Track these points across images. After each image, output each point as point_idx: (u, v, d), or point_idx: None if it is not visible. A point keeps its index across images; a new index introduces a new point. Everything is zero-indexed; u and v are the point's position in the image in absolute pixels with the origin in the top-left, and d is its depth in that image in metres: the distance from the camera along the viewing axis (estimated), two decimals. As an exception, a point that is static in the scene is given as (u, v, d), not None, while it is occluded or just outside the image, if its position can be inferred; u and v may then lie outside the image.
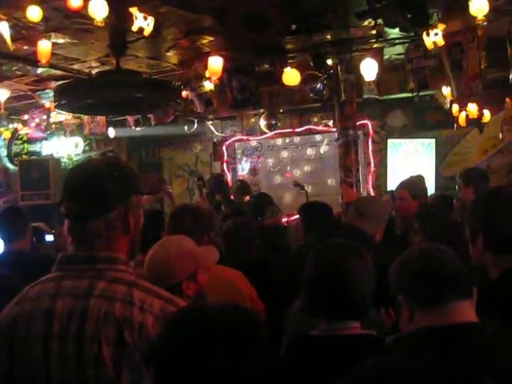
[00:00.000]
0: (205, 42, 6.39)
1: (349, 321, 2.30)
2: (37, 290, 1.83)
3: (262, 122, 9.24)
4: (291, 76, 6.78)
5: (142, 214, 1.94)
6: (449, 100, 7.24)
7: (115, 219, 1.83)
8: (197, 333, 1.38)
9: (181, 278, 2.49)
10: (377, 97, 7.39)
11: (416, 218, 3.96)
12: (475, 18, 4.71)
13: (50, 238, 6.40)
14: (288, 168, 10.46)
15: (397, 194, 5.15)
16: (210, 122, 10.44)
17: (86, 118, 9.26)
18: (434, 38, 5.25)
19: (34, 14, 4.54)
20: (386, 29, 5.88)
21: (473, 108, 6.65)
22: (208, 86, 7.26)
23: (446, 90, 7.00)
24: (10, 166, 10.41)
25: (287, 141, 10.46)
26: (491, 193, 2.64)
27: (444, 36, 5.28)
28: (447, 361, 1.67)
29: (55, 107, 6.73)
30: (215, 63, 6.26)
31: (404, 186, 5.07)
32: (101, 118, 9.19)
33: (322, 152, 10.21)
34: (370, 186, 9.62)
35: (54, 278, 1.83)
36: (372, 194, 9.47)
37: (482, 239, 2.36)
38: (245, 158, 10.75)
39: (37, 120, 9.47)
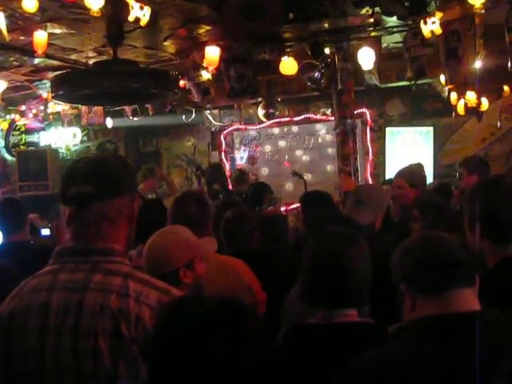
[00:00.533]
0: (202, 31, 6.38)
1: (345, 309, 2.31)
2: (34, 283, 1.83)
3: (260, 111, 9.22)
4: (288, 65, 6.77)
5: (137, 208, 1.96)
6: (447, 88, 7.23)
7: (125, 204, 1.85)
8: (190, 324, 1.38)
9: (178, 265, 2.51)
10: (378, 84, 7.37)
11: (415, 206, 3.97)
12: (473, 6, 4.69)
13: (45, 231, 6.40)
14: (286, 157, 10.45)
15: (394, 182, 5.12)
16: (208, 112, 10.41)
17: (83, 108, 9.25)
18: (431, 26, 5.24)
19: (30, 4, 4.52)
20: (384, 17, 5.86)
21: (471, 96, 6.65)
22: (205, 75, 7.24)
23: (444, 79, 6.99)
24: (7, 156, 10.43)
25: (285, 130, 10.44)
26: (492, 181, 2.64)
27: (441, 24, 5.27)
28: (449, 349, 1.68)
29: (52, 98, 6.70)
30: (212, 53, 6.25)
31: (401, 174, 5.04)
32: (98, 108, 9.18)
33: (320, 141, 10.20)
34: (369, 174, 9.62)
35: (51, 271, 1.83)
36: (370, 182, 9.47)
37: (480, 227, 2.36)
38: (243, 148, 10.74)
39: (34, 110, 9.45)
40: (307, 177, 8.91)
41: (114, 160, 1.90)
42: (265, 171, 10.47)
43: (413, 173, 5.06)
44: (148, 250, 2.60)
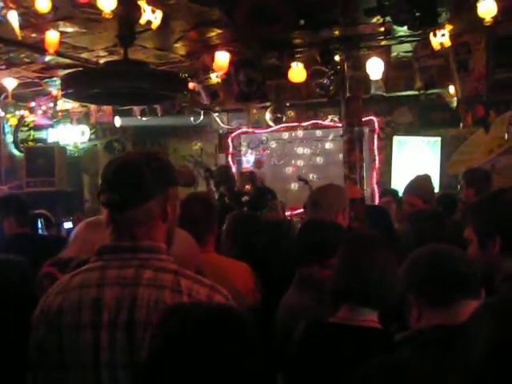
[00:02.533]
0: (213, 34, 6.40)
1: (367, 311, 2.30)
2: (79, 279, 1.86)
3: (268, 116, 9.24)
4: (297, 73, 6.78)
5: (178, 206, 1.99)
6: (455, 99, 7.23)
7: (154, 207, 1.87)
8: (180, 333, 1.39)
9: None
10: (384, 94, 7.38)
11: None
12: (483, 18, 4.70)
13: (68, 224, 6.46)
14: (293, 162, 10.47)
15: (406, 198, 4.94)
16: (216, 114, 10.44)
17: (92, 106, 9.30)
18: (440, 38, 5.25)
19: (43, 4, 4.56)
20: (395, 26, 5.88)
21: (479, 107, 6.65)
22: (215, 78, 7.27)
23: (453, 89, 6.99)
24: (15, 152, 10.46)
25: (293, 135, 10.46)
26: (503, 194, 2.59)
27: (451, 36, 5.28)
28: (455, 359, 1.69)
29: (62, 96, 6.75)
30: (222, 58, 6.27)
31: (412, 190, 4.87)
32: (107, 107, 9.22)
33: (327, 147, 10.21)
34: (375, 182, 9.62)
35: (96, 267, 1.86)
36: (376, 190, 9.48)
37: (500, 241, 2.31)
38: (250, 151, 10.76)
39: (43, 107, 9.49)
40: (313, 182, 8.90)
41: (141, 164, 1.88)
42: (271, 175, 10.48)
43: (424, 188, 4.90)
44: None
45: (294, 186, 9.87)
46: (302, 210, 9.23)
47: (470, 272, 1.91)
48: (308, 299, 2.88)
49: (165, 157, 2.08)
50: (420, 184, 5.00)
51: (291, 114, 10.02)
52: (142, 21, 4.66)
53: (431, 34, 5.29)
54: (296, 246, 3.08)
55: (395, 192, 6.79)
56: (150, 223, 1.87)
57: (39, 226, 5.43)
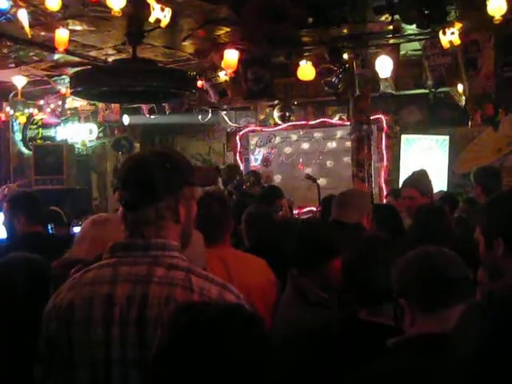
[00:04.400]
0: (221, 32, 6.40)
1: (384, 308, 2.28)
2: (91, 275, 1.86)
3: (276, 114, 9.25)
4: (306, 71, 6.78)
5: (194, 206, 1.96)
6: (464, 97, 7.21)
7: (165, 208, 1.85)
8: (190, 333, 1.39)
9: None
10: (393, 92, 7.37)
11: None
12: (493, 17, 4.68)
13: (77, 229, 6.46)
14: (301, 160, 10.46)
15: (405, 192, 5.06)
16: (224, 112, 10.44)
17: (100, 104, 9.33)
18: (450, 37, 5.23)
19: (53, 2, 4.57)
20: (403, 24, 5.86)
21: (488, 106, 6.63)
22: (223, 76, 7.27)
23: (461, 88, 6.97)
24: (24, 150, 10.49)
25: (301, 133, 10.45)
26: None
27: (460, 34, 5.26)
28: (447, 368, 1.67)
29: (71, 94, 6.76)
30: (231, 56, 6.28)
31: (411, 184, 5.01)
32: (115, 105, 9.24)
33: (335, 145, 10.21)
34: (383, 181, 9.61)
35: (109, 264, 1.86)
36: (384, 188, 9.47)
37: (503, 243, 2.26)
38: (258, 149, 10.76)
39: (52, 105, 9.52)
40: (321, 181, 8.90)
41: (154, 164, 1.86)
42: (279, 174, 10.49)
43: (422, 181, 5.03)
44: None
45: (302, 184, 9.85)
46: (309, 209, 9.27)
47: (462, 276, 1.86)
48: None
49: (182, 155, 2.05)
50: (417, 178, 5.12)
51: (299, 112, 10.02)
52: (151, 19, 4.66)
53: (440, 32, 5.27)
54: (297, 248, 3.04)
55: (395, 191, 6.78)
56: (160, 224, 1.86)
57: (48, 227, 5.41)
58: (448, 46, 5.33)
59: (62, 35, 5.44)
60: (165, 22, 4.70)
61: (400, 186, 8.49)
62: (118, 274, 1.82)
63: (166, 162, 1.88)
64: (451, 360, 1.59)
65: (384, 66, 6.33)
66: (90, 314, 1.78)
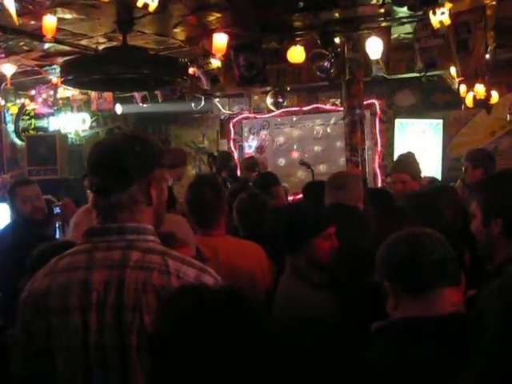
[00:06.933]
0: (212, 18, 6.35)
1: None
2: (66, 261, 1.84)
3: (269, 100, 9.21)
4: (296, 53, 6.75)
5: (165, 188, 1.95)
6: (457, 80, 7.19)
7: (137, 192, 1.84)
8: (187, 316, 1.38)
9: None
10: (385, 75, 7.34)
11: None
12: (484, -2, 4.66)
13: (57, 210, 6.47)
14: (295, 146, 10.45)
15: (396, 177, 5.05)
16: (217, 100, 10.42)
17: (93, 93, 9.27)
18: (440, 17, 5.19)
19: (40, -12, 4.52)
20: (395, 7, 5.83)
21: (480, 89, 6.60)
22: (215, 63, 7.22)
23: (454, 71, 6.95)
24: (17, 141, 10.45)
25: (294, 119, 10.44)
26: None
27: (451, 15, 5.22)
28: (429, 352, 1.67)
29: (62, 83, 6.72)
30: (220, 40, 6.23)
31: (402, 168, 5.04)
32: (108, 94, 9.19)
33: (329, 131, 10.19)
34: (377, 165, 9.60)
35: (84, 250, 1.85)
36: (378, 173, 9.47)
37: (502, 223, 2.26)
38: (252, 136, 10.75)
39: (44, 95, 9.46)
40: (317, 167, 8.88)
41: (124, 148, 1.85)
42: (273, 160, 10.47)
43: (412, 165, 5.08)
44: None
45: (297, 170, 9.84)
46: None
47: (448, 257, 1.84)
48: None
49: (165, 143, 2.03)
50: (406, 161, 5.19)
51: (292, 98, 9.99)
52: (139, 3, 4.61)
53: (430, 13, 5.22)
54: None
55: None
56: (133, 207, 1.85)
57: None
58: (438, 26, 5.28)
59: (49, 22, 5.38)
60: (152, 6, 4.65)
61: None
62: (94, 259, 1.80)
63: (135, 145, 1.86)
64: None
65: (375, 47, 6.29)
66: (66, 300, 1.77)
